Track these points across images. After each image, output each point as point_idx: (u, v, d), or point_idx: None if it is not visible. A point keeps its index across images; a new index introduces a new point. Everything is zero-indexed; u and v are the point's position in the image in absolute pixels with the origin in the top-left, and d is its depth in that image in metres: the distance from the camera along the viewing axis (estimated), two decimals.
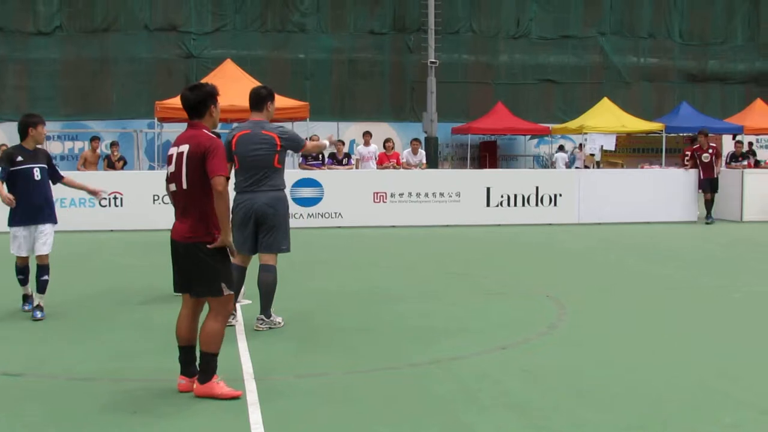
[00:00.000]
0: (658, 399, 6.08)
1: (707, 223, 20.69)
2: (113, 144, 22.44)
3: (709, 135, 22.18)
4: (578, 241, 17.05)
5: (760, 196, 21.43)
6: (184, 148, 6.14)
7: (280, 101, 22.38)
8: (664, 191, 21.11)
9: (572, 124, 29.38)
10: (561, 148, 31.18)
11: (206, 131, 6.22)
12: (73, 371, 6.87)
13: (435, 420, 5.64)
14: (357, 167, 21.83)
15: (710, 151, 21.16)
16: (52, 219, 9.31)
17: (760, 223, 20.76)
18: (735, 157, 24.30)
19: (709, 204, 21.28)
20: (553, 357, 7.37)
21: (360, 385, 6.49)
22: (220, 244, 6.09)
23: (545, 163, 33.49)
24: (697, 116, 29.59)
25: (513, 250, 15.93)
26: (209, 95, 6.33)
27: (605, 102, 29.46)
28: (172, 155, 6.24)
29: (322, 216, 19.34)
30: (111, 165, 21.84)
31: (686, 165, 21.79)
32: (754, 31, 35.80)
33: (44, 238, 9.17)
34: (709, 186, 21.23)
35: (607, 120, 28.29)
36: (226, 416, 5.71)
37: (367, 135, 22.32)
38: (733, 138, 28.68)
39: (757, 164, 27.73)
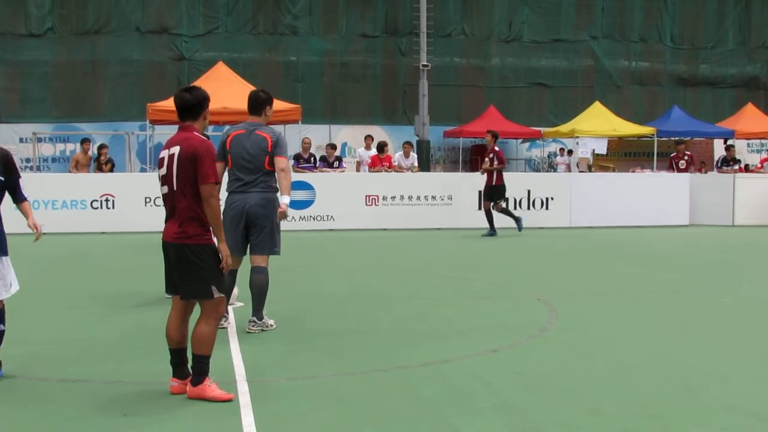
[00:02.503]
0: (649, 402, 6.11)
1: (486, 235, 18.73)
2: (102, 146, 22.45)
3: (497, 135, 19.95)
4: (570, 245, 17.09)
5: (751, 200, 21.53)
6: (176, 149, 6.16)
7: (273, 104, 22.39)
8: (656, 195, 21.18)
9: (564, 127, 29.40)
10: (562, 152, 30.93)
11: (198, 134, 6.25)
12: (65, 373, 6.87)
13: (425, 422, 5.65)
14: (357, 169, 21.87)
15: (491, 155, 18.93)
16: (4, 250, 6.70)
17: (751, 227, 20.84)
18: (726, 162, 24.40)
19: (488, 214, 18.86)
20: (544, 360, 7.40)
21: (351, 387, 6.50)
22: (224, 255, 6.18)
23: (537, 166, 33.52)
24: (688, 120, 29.64)
25: (504, 253, 15.96)
26: (205, 98, 6.37)
27: (597, 106, 29.50)
28: (163, 158, 6.26)
29: (313, 219, 19.35)
30: (99, 167, 21.85)
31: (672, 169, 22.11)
32: (745, 35, 35.87)
33: (2, 276, 6.67)
34: (488, 194, 18.92)
35: (598, 124, 28.32)
36: (218, 418, 5.72)
37: (368, 138, 22.37)
38: (725, 142, 28.77)
39: (747, 168, 27.85)
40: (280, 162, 8.36)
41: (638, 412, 5.86)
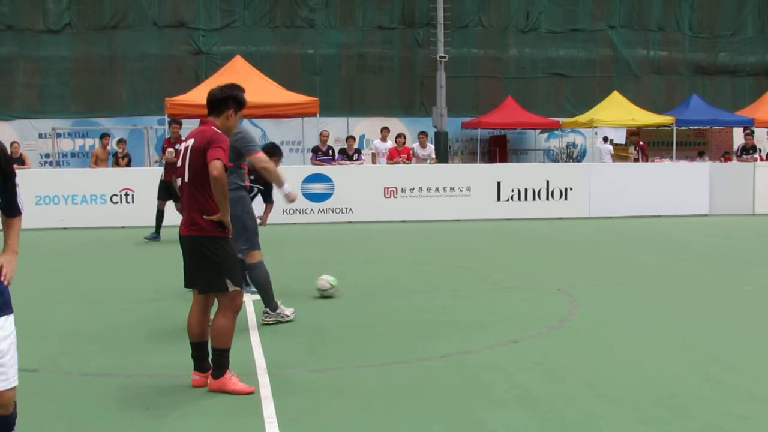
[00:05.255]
0: (669, 392, 6.09)
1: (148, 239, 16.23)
2: (120, 141, 22.55)
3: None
4: (589, 235, 17.04)
5: None
6: (190, 142, 6.21)
7: (290, 97, 22.44)
8: (675, 184, 21.07)
9: (582, 117, 29.28)
10: (605, 140, 30.12)
11: (214, 127, 6.23)
12: (87, 367, 6.92)
13: (446, 414, 5.65)
14: (373, 162, 21.85)
15: (178, 147, 16.51)
16: (5, 306, 4.16)
17: None
18: (746, 150, 24.23)
19: (162, 215, 16.43)
20: (565, 350, 7.39)
21: (372, 380, 6.51)
22: (217, 219, 6.06)
23: (555, 157, 33.39)
24: (707, 109, 29.47)
25: (524, 244, 15.92)
26: (233, 98, 6.35)
27: (615, 95, 29.36)
28: (180, 150, 6.31)
29: (332, 211, 19.37)
30: (116, 162, 21.94)
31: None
32: (764, 22, 35.58)
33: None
34: (169, 191, 16.06)
35: (617, 113, 28.19)
36: (239, 411, 5.74)
37: (385, 130, 22.39)
38: (744, 130, 28.57)
39: None
40: (256, 156, 8.00)
41: (659, 402, 5.84)
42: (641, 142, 25.20)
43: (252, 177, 9.56)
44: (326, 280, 9.97)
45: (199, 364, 6.29)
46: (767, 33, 35.58)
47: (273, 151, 9.59)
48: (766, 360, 7.08)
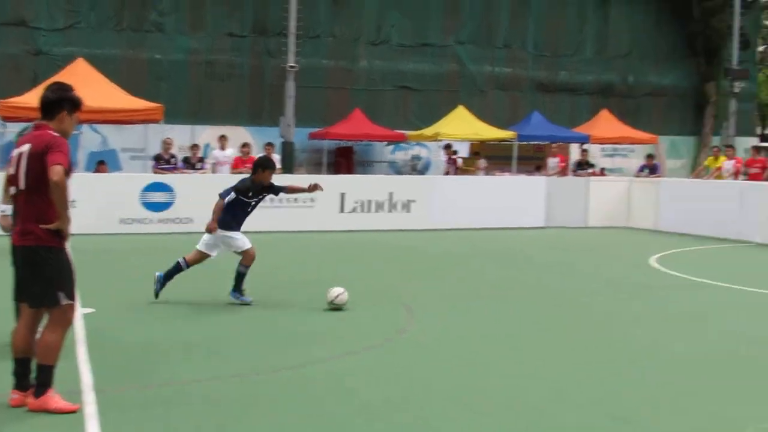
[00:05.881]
0: (508, 402, 6.34)
1: None
2: None
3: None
4: (431, 247, 17.32)
5: (603, 203, 22.38)
6: (25, 147, 5.98)
7: (133, 102, 21.92)
8: (515, 198, 21.70)
9: (428, 131, 29.75)
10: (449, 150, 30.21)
11: (51, 131, 6.04)
12: None
13: (288, 425, 5.68)
14: (213, 171, 21.57)
15: None
16: None
17: (603, 228, 21.62)
18: (581, 165, 25.26)
19: None
20: (400, 360, 7.56)
21: (202, 394, 6.46)
22: (54, 228, 5.89)
23: (400, 169, 33.84)
24: (547, 125, 30.46)
25: (366, 257, 16.08)
26: (67, 100, 6.16)
27: (460, 110, 29.98)
28: (13, 157, 6.09)
29: (172, 221, 18.93)
30: None
31: None
32: (602, 44, 37.23)
33: None
34: None
35: (461, 127, 28.79)
36: (62, 430, 5.59)
37: (223, 139, 22.13)
38: (580, 146, 29.72)
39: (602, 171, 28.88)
40: None
41: (501, 413, 6.07)
42: (453, 156, 26.07)
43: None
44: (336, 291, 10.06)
45: (20, 382, 6.05)
46: (604, 54, 37.24)
47: (266, 164, 10.51)
48: (602, 371, 7.41)
